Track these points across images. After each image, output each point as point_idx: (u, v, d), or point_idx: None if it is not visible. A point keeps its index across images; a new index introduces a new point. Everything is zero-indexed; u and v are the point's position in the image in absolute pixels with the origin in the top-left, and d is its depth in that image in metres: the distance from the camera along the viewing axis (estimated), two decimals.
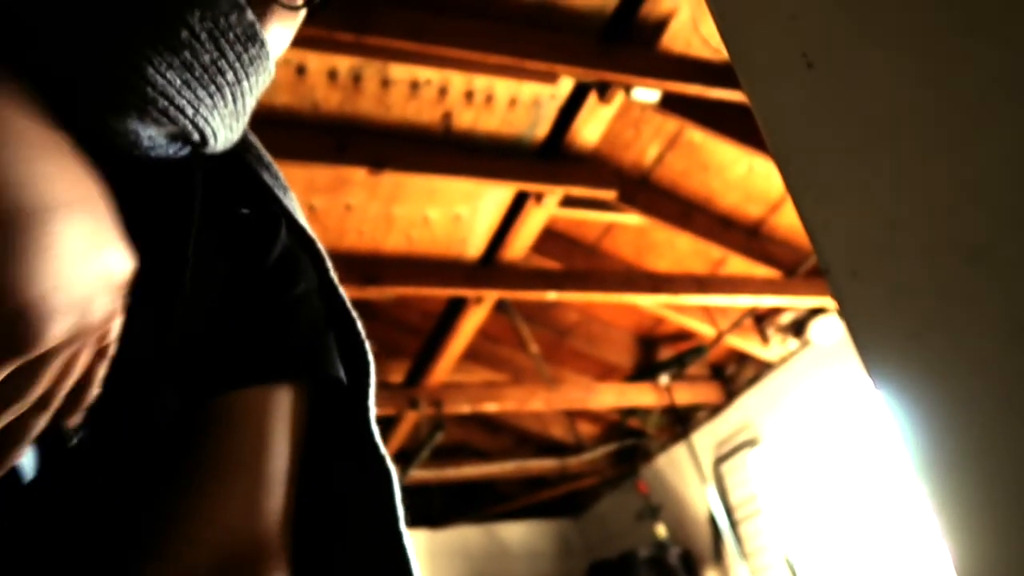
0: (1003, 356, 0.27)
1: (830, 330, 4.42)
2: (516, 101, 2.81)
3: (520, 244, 3.45)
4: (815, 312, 4.52)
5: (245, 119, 0.57)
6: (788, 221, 4.04)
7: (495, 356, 5.14)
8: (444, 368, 4.33)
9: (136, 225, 0.45)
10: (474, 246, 3.49)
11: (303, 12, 0.56)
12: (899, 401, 0.30)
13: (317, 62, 2.51)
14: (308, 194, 3.03)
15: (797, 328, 4.59)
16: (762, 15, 0.37)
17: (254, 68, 0.52)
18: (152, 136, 0.50)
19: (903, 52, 0.31)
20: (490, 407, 4.68)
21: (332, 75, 2.56)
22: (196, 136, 0.52)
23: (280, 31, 0.54)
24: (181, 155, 0.54)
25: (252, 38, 0.50)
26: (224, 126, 0.53)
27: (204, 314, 0.56)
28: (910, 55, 0.31)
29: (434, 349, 4.21)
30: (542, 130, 2.95)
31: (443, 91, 2.71)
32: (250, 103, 0.55)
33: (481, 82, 2.71)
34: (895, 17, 0.31)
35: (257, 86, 0.54)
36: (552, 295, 3.64)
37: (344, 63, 2.53)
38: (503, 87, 2.74)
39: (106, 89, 0.46)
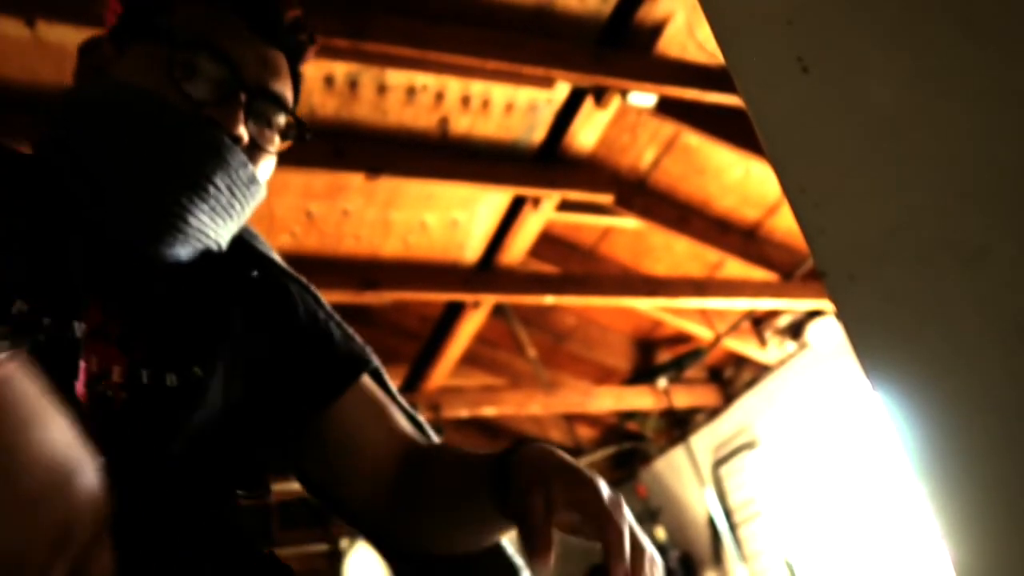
0: (1000, 358, 0.27)
1: (827, 333, 4.42)
2: (512, 106, 2.81)
3: (517, 248, 3.45)
4: (812, 315, 4.52)
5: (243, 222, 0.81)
6: (785, 224, 4.05)
7: (493, 360, 5.14)
8: (442, 373, 4.33)
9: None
10: (471, 251, 3.49)
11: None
12: (897, 403, 0.30)
13: (313, 68, 2.51)
14: (305, 200, 3.03)
15: (794, 331, 4.59)
16: (757, 20, 0.37)
17: (253, 198, 0.78)
18: (187, 252, 0.73)
19: (899, 56, 0.32)
20: (488, 411, 4.68)
21: (328, 81, 2.56)
22: (215, 248, 0.76)
23: (269, 162, 0.81)
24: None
25: (252, 181, 0.76)
26: (230, 233, 0.78)
27: (269, 371, 0.79)
28: (906, 59, 0.31)
29: (432, 354, 4.20)
30: (539, 135, 2.95)
31: (440, 96, 2.72)
32: (248, 214, 0.80)
33: (478, 87, 2.71)
34: (890, 22, 0.31)
35: (254, 206, 0.79)
36: (550, 299, 3.64)
37: (341, 69, 2.53)
38: (500, 92, 2.75)
39: (160, 227, 0.70)
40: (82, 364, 0.62)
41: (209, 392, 0.69)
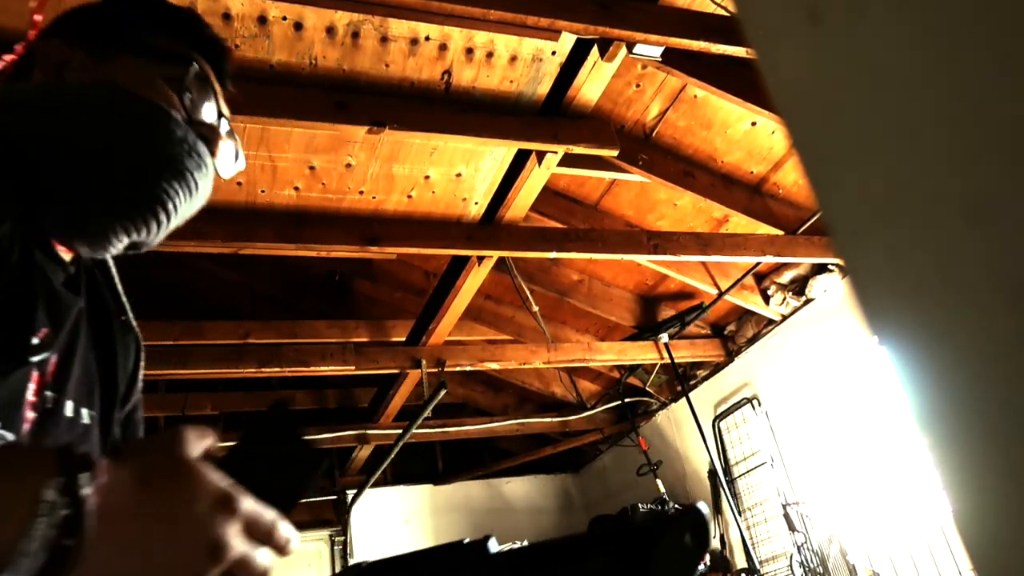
0: (1006, 313, 0.27)
1: (831, 288, 4.42)
2: (517, 58, 2.77)
3: (521, 203, 3.43)
4: (816, 271, 4.52)
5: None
6: (790, 179, 4.02)
7: (497, 315, 5.16)
8: (446, 327, 4.35)
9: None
10: (475, 205, 3.48)
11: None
12: (902, 357, 0.30)
13: (315, 17, 2.47)
14: (308, 154, 3.01)
15: (798, 286, 4.60)
16: None
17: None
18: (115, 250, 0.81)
19: (913, 6, 0.31)
20: (492, 365, 4.71)
21: (330, 31, 2.52)
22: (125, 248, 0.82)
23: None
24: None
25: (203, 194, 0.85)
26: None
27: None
28: (920, 9, 0.31)
29: (436, 308, 4.22)
30: (543, 88, 2.92)
31: (443, 48, 2.68)
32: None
33: (481, 38, 2.67)
34: None
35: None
36: (553, 254, 3.64)
37: (342, 19, 2.49)
38: (504, 43, 2.70)
39: (135, 211, 0.77)
40: (34, 375, 0.70)
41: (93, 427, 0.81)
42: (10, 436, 0.66)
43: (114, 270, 0.93)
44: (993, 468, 0.27)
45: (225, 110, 0.89)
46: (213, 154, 0.83)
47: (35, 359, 0.69)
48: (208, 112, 0.85)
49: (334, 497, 6.18)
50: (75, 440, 0.76)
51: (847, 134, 0.33)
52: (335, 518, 6.12)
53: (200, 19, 0.93)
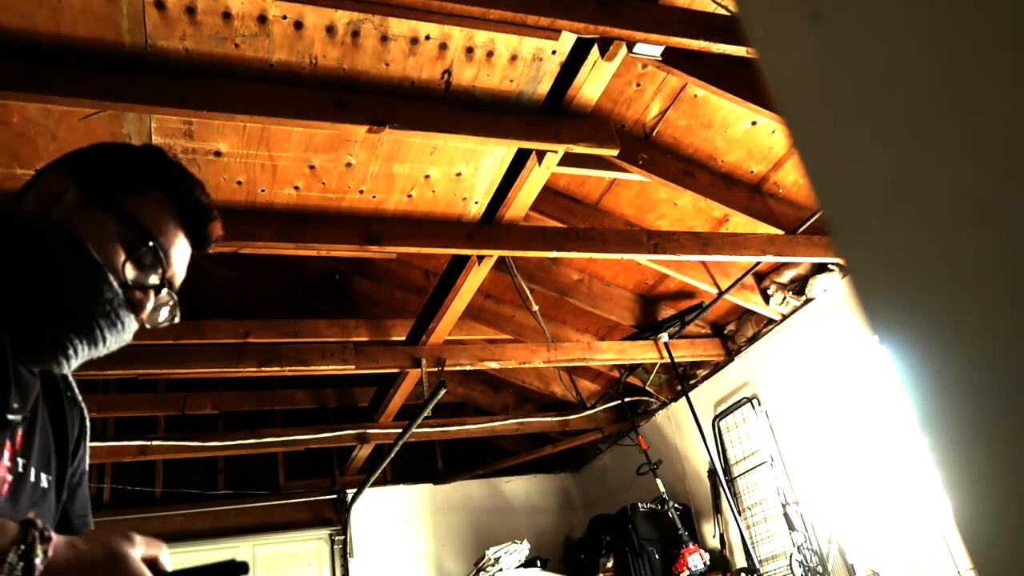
0: (1007, 310, 0.27)
1: (831, 287, 4.42)
2: (517, 57, 2.77)
3: (521, 202, 3.43)
4: (816, 269, 4.52)
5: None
6: (790, 179, 4.02)
7: (497, 315, 5.16)
8: (446, 326, 4.35)
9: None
10: (475, 205, 3.48)
11: None
12: (903, 356, 0.30)
13: (315, 16, 2.47)
14: (308, 153, 3.01)
15: (798, 285, 4.60)
16: None
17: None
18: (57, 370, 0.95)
19: (913, 5, 0.31)
20: (492, 365, 4.72)
21: (330, 30, 2.52)
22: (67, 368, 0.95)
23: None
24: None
25: (122, 345, 0.98)
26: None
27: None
28: (919, 7, 0.31)
29: (436, 308, 4.22)
30: (544, 87, 2.91)
31: (443, 47, 2.68)
32: None
33: (482, 37, 2.67)
34: None
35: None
36: (553, 254, 3.64)
37: (342, 17, 2.49)
38: (504, 43, 2.70)
39: (41, 348, 0.90)
40: (7, 443, 0.85)
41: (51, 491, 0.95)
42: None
43: None
44: (993, 468, 0.27)
45: (176, 279, 1.01)
46: (139, 313, 0.95)
47: (13, 418, 0.83)
48: (151, 279, 0.97)
49: (334, 496, 6.18)
50: (37, 500, 0.90)
51: (847, 134, 0.33)
52: (335, 517, 6.12)
53: (193, 189, 1.03)
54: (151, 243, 0.95)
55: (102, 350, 0.94)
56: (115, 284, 0.91)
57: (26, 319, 0.88)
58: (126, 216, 0.95)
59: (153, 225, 0.96)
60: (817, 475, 4.48)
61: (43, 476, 0.92)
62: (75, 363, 0.93)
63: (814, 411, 4.51)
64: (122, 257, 0.93)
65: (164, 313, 1.00)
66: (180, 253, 1.01)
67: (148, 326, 0.99)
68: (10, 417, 0.83)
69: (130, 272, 0.93)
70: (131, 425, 5.49)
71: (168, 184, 1.01)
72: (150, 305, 0.96)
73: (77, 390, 1.06)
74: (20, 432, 0.88)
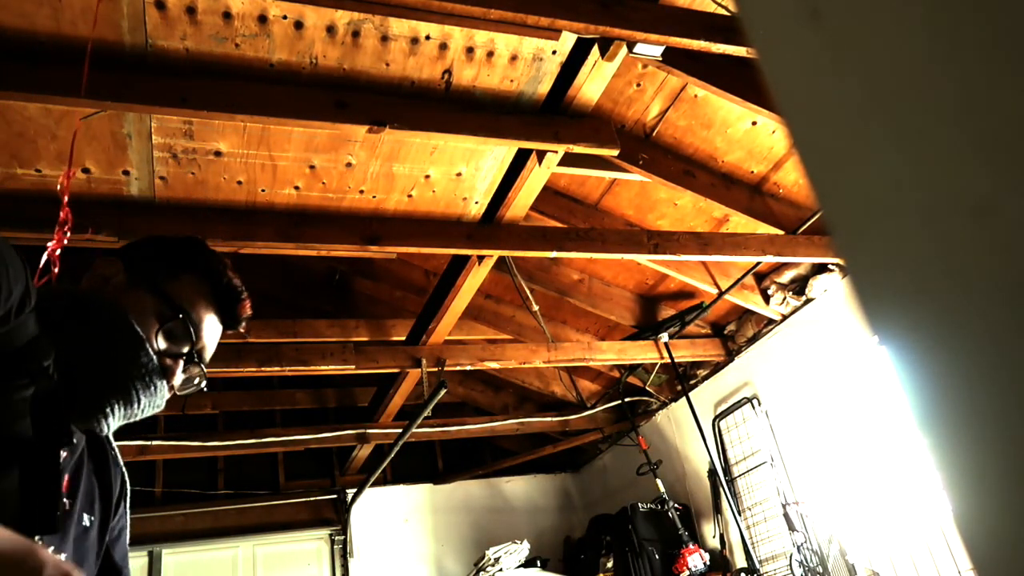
0: (1008, 311, 0.27)
1: (831, 287, 4.42)
2: (517, 57, 2.77)
3: (521, 202, 3.43)
4: (816, 270, 4.52)
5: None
6: (791, 179, 4.02)
7: (497, 315, 5.16)
8: (446, 326, 4.35)
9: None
10: (475, 204, 3.48)
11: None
12: (903, 356, 0.30)
13: (315, 17, 2.47)
14: (308, 153, 3.01)
15: (798, 285, 4.60)
16: None
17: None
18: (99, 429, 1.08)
19: (913, 5, 0.31)
20: (492, 365, 4.72)
21: (330, 30, 2.52)
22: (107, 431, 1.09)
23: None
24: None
25: (157, 409, 1.09)
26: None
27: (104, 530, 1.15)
28: (919, 7, 0.31)
29: (436, 308, 4.22)
30: (544, 87, 2.91)
31: (443, 47, 2.68)
32: None
33: (482, 37, 2.66)
34: None
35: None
36: (553, 254, 3.64)
37: (342, 17, 2.49)
38: (504, 43, 2.70)
39: (101, 407, 1.02)
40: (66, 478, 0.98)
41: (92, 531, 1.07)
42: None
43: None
44: (993, 468, 0.27)
45: (206, 352, 1.14)
46: (170, 379, 1.08)
47: (63, 457, 0.96)
48: (181, 349, 1.10)
49: (334, 496, 6.18)
50: (79, 536, 1.01)
51: (847, 134, 0.33)
52: (335, 517, 6.12)
53: (225, 272, 1.17)
54: (181, 316, 1.08)
55: (137, 412, 1.05)
56: (151, 351, 1.03)
57: (77, 380, 0.98)
58: (163, 295, 1.09)
59: (186, 303, 1.10)
60: (817, 475, 4.48)
61: (86, 516, 1.04)
62: (114, 423, 1.04)
63: (814, 411, 4.51)
64: (156, 327, 1.06)
65: (193, 381, 1.14)
66: (210, 329, 1.14)
67: (178, 393, 1.12)
68: (62, 455, 0.95)
69: (162, 342, 1.06)
70: (131, 425, 5.47)
71: (204, 269, 1.15)
72: (180, 372, 1.09)
73: (119, 454, 1.18)
74: (67, 477, 0.99)
